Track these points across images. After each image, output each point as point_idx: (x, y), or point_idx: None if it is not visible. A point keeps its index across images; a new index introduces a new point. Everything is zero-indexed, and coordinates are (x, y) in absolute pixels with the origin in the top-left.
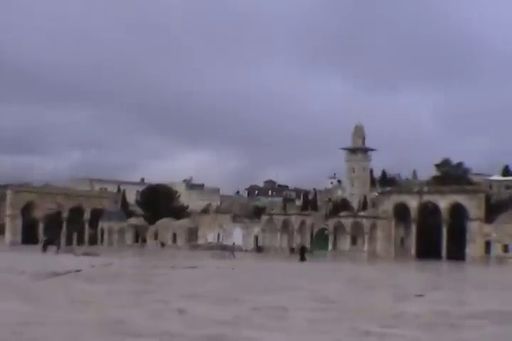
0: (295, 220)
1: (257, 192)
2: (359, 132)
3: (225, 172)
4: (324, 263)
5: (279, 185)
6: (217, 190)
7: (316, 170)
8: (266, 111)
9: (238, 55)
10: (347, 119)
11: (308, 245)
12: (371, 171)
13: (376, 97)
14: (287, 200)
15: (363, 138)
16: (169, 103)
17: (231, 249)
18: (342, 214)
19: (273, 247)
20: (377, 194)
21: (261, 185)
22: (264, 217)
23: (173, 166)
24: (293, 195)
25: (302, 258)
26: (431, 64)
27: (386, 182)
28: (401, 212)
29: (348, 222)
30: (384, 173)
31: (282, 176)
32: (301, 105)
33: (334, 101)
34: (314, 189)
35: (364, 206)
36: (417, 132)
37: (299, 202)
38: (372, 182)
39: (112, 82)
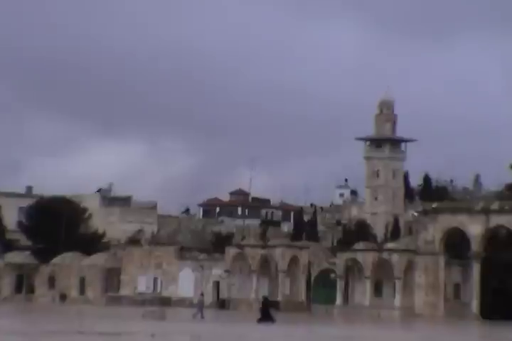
0: (281, 256)
1: (218, 209)
2: (387, 112)
3: (168, 177)
4: (329, 327)
5: (256, 199)
6: (153, 207)
7: (315, 174)
8: (233, 76)
9: None
10: (367, 90)
11: (302, 296)
12: (406, 176)
13: (413, 55)
14: (269, 224)
15: (393, 122)
16: (75, 69)
17: (199, 305)
18: (358, 246)
19: (245, 301)
20: (416, 213)
21: (225, 198)
22: (231, 251)
23: (82, 167)
24: (278, 214)
25: (265, 318)
26: None
27: (431, 194)
28: (456, 243)
29: (368, 258)
30: (427, 180)
31: (260, 184)
32: (291, 68)
33: (345, 62)
34: (313, 205)
35: (395, 233)
36: (480, 112)
37: (287, 227)
38: (409, 193)
39: None
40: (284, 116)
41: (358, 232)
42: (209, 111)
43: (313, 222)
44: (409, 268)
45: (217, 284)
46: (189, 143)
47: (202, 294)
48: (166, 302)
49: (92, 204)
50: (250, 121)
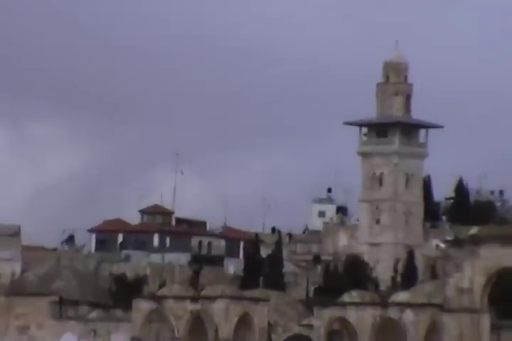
0: (224, 314)
1: (121, 238)
2: (396, 80)
3: (40, 186)
4: None
5: (183, 221)
6: (15, 233)
7: (279, 181)
8: (147, 35)
9: None
10: (365, 48)
11: None
12: (427, 184)
13: None
14: (204, 261)
15: (407, 97)
16: None
17: None
18: (350, 297)
19: None
20: (443, 245)
21: (133, 219)
22: (143, 307)
23: None
24: (219, 246)
25: None
26: None
27: (467, 212)
28: (508, 293)
29: (366, 317)
30: (461, 189)
31: (190, 196)
32: (247, 15)
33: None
34: (276, 231)
35: (409, 276)
36: None
37: (234, 267)
38: (432, 212)
39: None
40: (231, 89)
41: (348, 275)
42: (108, 83)
43: (276, 259)
44: (433, 332)
45: None
46: (75, 132)
47: None
48: None
49: None
50: (174, 97)
